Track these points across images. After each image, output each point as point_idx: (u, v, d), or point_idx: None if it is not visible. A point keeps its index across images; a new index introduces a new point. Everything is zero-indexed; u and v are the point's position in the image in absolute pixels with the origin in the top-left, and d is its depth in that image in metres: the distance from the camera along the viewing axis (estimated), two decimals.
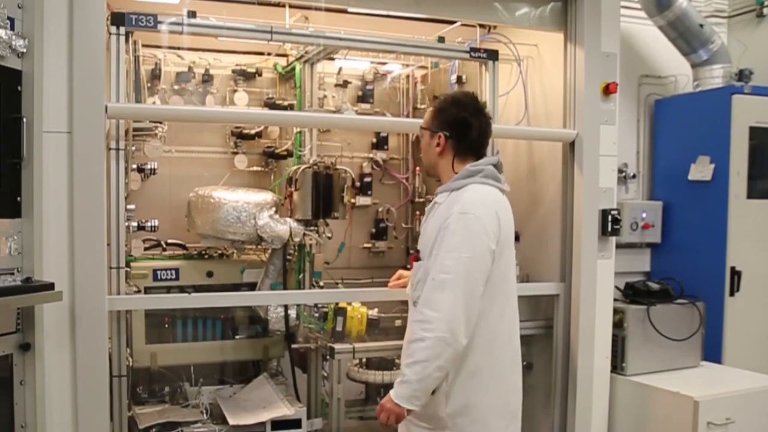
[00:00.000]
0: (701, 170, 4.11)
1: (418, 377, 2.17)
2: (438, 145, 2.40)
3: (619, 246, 3.60)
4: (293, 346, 3.37)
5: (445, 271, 2.20)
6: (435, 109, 2.47)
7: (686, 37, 4.16)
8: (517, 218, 3.53)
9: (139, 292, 3.05)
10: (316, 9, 3.00)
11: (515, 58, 3.46)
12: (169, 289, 3.18)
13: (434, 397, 2.27)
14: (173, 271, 3.19)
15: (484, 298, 2.25)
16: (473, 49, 3.30)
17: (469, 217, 2.24)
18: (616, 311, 3.45)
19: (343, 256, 3.73)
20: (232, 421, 2.97)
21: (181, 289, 3.18)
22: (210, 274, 3.25)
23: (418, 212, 3.96)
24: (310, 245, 3.27)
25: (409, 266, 3.78)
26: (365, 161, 3.94)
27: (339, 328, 3.15)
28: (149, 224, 3.07)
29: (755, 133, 4.03)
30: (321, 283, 3.40)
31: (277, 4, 3.03)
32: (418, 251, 2.43)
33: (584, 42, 3.19)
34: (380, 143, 3.94)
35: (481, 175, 2.35)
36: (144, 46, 3.24)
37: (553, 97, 3.40)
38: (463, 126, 2.40)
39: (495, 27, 3.43)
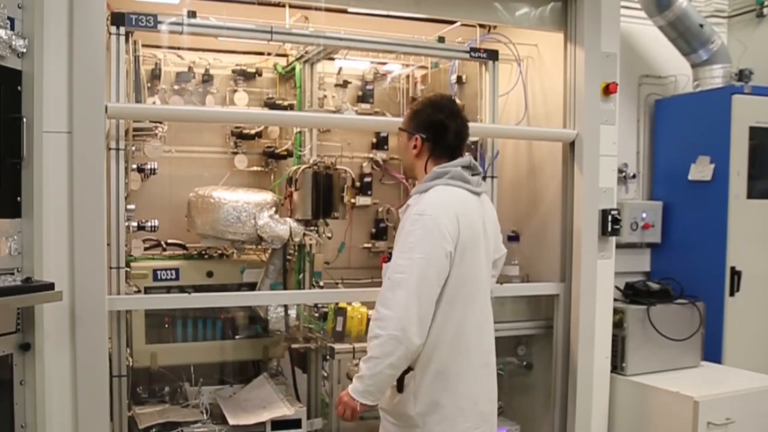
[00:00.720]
0: (701, 170, 4.11)
1: (371, 373, 2.22)
2: (415, 147, 2.43)
3: (619, 246, 3.60)
4: (293, 346, 3.37)
5: (400, 271, 2.23)
6: (412, 111, 2.50)
7: (686, 37, 4.16)
8: (517, 218, 3.57)
9: (139, 292, 3.05)
10: (316, 9, 3.00)
11: (515, 58, 3.46)
12: (169, 289, 3.18)
13: (403, 395, 2.31)
14: (173, 271, 3.19)
15: (445, 299, 2.27)
16: (473, 49, 3.30)
17: (425, 219, 2.26)
18: (616, 311, 3.45)
19: (343, 256, 3.73)
20: (232, 421, 2.97)
21: (181, 289, 3.18)
22: (210, 274, 3.25)
23: None
24: (310, 245, 3.27)
25: None
26: (365, 161, 3.93)
27: (339, 328, 3.15)
28: (149, 224, 3.07)
29: (755, 133, 4.03)
30: (321, 283, 3.40)
31: (277, 4, 3.03)
32: (390, 253, 2.42)
33: (584, 42, 3.19)
34: (380, 143, 3.94)
35: (447, 177, 2.37)
36: (144, 46, 3.23)
37: (553, 97, 3.40)
38: (440, 128, 2.41)
39: (495, 27, 3.43)
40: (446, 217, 2.27)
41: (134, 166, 3.10)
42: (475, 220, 2.37)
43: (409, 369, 2.29)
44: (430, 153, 2.43)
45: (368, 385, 2.24)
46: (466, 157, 2.45)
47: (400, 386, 2.32)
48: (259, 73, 3.71)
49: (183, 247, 3.48)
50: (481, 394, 2.39)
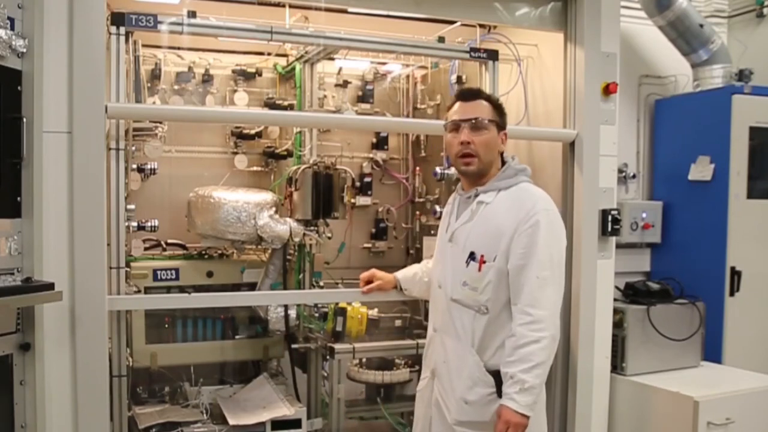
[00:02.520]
0: (701, 170, 4.11)
1: (541, 380, 2.17)
2: (503, 142, 2.43)
3: (619, 246, 3.60)
4: (293, 346, 3.37)
5: (545, 268, 2.22)
6: (498, 105, 2.45)
7: (686, 37, 4.16)
8: None
9: (139, 292, 3.05)
10: (316, 9, 2.99)
11: (515, 58, 3.46)
12: (169, 289, 3.18)
13: (539, 412, 2.29)
14: (173, 271, 3.19)
15: None
16: (473, 49, 3.30)
17: (551, 214, 2.30)
18: (616, 311, 3.45)
19: (343, 256, 3.73)
20: (232, 421, 2.97)
21: (181, 289, 3.18)
22: (210, 274, 3.25)
23: (418, 212, 3.96)
24: (310, 245, 3.27)
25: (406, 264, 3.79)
26: (365, 161, 3.94)
27: (339, 328, 3.15)
28: (149, 224, 3.06)
29: (755, 133, 4.03)
30: (321, 283, 3.40)
31: (277, 4, 3.03)
32: (472, 253, 2.33)
33: (584, 42, 3.19)
34: (380, 143, 3.94)
35: (524, 174, 2.40)
36: (144, 46, 3.24)
37: (553, 97, 3.40)
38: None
39: (495, 27, 3.43)
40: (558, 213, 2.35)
41: (134, 166, 3.10)
42: None
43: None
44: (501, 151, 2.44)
45: (537, 394, 2.18)
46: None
47: (500, 391, 2.23)
48: (259, 73, 3.71)
49: (183, 247, 3.48)
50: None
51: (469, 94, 2.45)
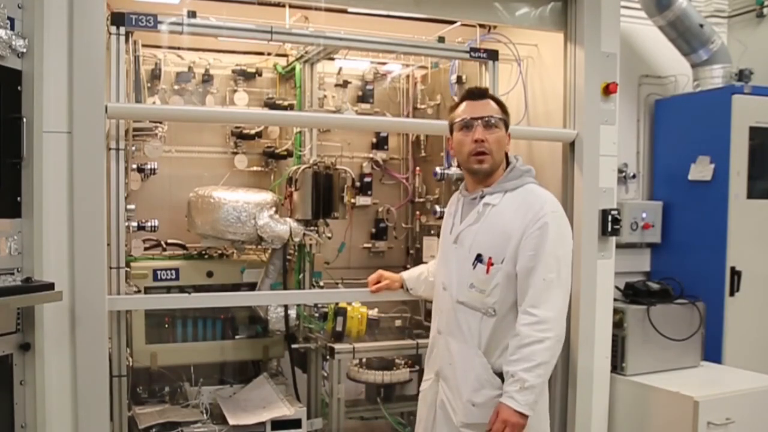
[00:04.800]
0: (701, 170, 4.11)
1: (542, 380, 2.18)
2: (508, 142, 2.43)
3: (619, 246, 3.60)
4: (293, 346, 3.37)
5: (551, 270, 2.21)
6: (503, 106, 2.44)
7: (686, 37, 4.16)
8: None
9: (139, 292, 3.05)
10: (316, 9, 2.99)
11: (515, 58, 3.46)
12: (169, 289, 3.18)
13: (541, 413, 2.29)
14: (173, 271, 3.19)
15: None
16: (473, 49, 3.30)
17: (558, 216, 2.30)
18: (616, 311, 3.45)
19: (343, 256, 3.73)
20: (232, 421, 2.96)
21: (181, 289, 3.18)
22: (210, 274, 3.25)
23: (418, 212, 3.96)
24: (310, 245, 3.27)
25: (408, 266, 3.78)
26: (365, 161, 3.94)
27: (339, 328, 3.15)
28: (149, 224, 3.06)
29: (755, 133, 4.03)
30: (321, 283, 3.40)
31: (277, 4, 3.03)
32: (479, 255, 2.33)
33: (584, 42, 3.19)
34: (380, 143, 3.94)
35: (529, 175, 2.39)
36: (144, 46, 3.24)
37: (553, 97, 3.40)
38: None
39: (495, 27, 3.43)
40: (565, 215, 2.35)
41: (134, 166, 3.10)
42: None
43: None
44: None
45: (538, 394, 2.18)
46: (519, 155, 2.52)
47: None
48: (259, 73, 3.71)
49: (183, 247, 3.48)
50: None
51: (477, 94, 2.45)
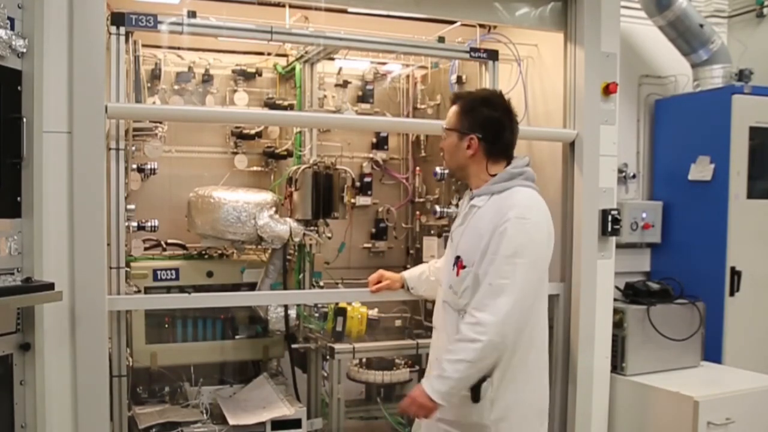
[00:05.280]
0: (701, 170, 4.11)
1: (460, 375, 2.16)
2: (469, 147, 2.33)
3: (619, 246, 3.60)
4: (293, 346, 3.37)
5: (504, 276, 2.17)
6: (462, 110, 2.38)
7: (686, 37, 4.16)
8: None
9: (139, 292, 3.05)
10: (316, 9, 2.99)
11: (515, 58, 3.46)
12: (169, 289, 3.18)
13: (479, 404, 2.25)
14: (173, 271, 3.19)
15: (536, 306, 2.29)
16: (473, 49, 3.30)
17: (527, 223, 2.22)
18: (616, 311, 3.45)
19: (343, 256, 3.73)
20: (232, 421, 2.97)
21: (181, 289, 3.18)
22: (210, 274, 3.25)
23: (418, 212, 3.96)
24: (310, 245, 3.27)
25: (408, 266, 3.79)
26: (365, 161, 3.94)
27: (339, 328, 3.15)
28: (149, 224, 3.06)
29: (755, 133, 4.03)
30: (321, 283, 3.40)
31: (277, 4, 3.03)
32: (458, 257, 2.35)
33: (584, 42, 3.19)
34: (380, 143, 3.94)
35: (522, 178, 2.33)
36: (144, 46, 3.24)
37: (553, 97, 3.40)
38: (496, 127, 2.34)
39: (495, 27, 3.43)
40: (545, 222, 2.28)
41: (134, 166, 3.10)
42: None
43: (485, 377, 2.24)
44: (487, 153, 2.34)
45: (452, 387, 2.18)
46: (527, 158, 2.43)
47: (476, 396, 2.24)
48: (259, 73, 3.71)
49: (183, 247, 3.48)
50: (545, 393, 2.43)
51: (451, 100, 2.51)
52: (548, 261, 2.34)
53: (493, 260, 2.20)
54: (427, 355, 2.81)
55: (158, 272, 3.16)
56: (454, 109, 2.42)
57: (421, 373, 3.01)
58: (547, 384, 2.46)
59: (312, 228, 3.23)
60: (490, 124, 2.34)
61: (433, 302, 2.59)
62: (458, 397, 2.24)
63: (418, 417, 2.28)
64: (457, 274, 2.32)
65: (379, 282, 2.81)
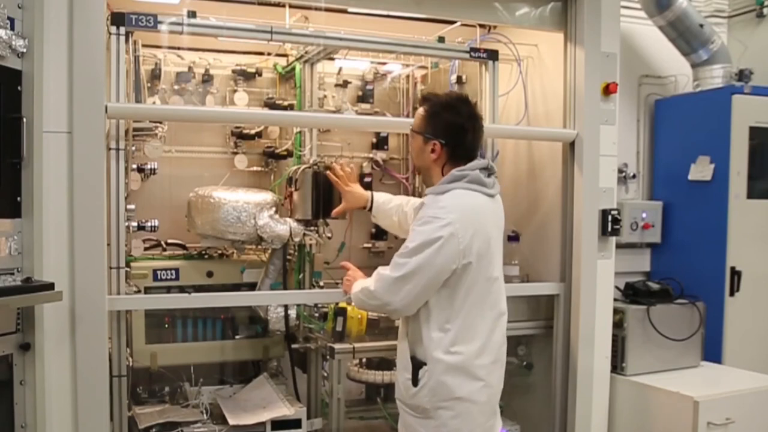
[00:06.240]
0: (701, 170, 4.11)
1: (356, 300, 2.50)
2: (433, 151, 2.40)
3: (619, 246, 3.60)
4: (293, 346, 3.37)
5: (402, 257, 2.31)
6: (428, 114, 2.44)
7: (686, 37, 4.16)
8: (517, 218, 3.57)
9: (139, 292, 3.04)
10: (316, 9, 2.99)
11: (515, 58, 3.46)
12: (169, 289, 3.17)
13: (417, 389, 2.35)
14: (173, 271, 3.19)
15: (462, 299, 2.33)
16: (473, 49, 3.30)
17: (436, 222, 2.28)
18: (616, 311, 3.45)
19: (343, 256, 3.72)
20: (232, 421, 2.97)
21: (181, 289, 3.18)
22: (210, 274, 3.25)
23: None
24: (310, 245, 3.27)
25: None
26: (365, 161, 3.93)
27: (339, 328, 3.15)
28: (149, 224, 3.06)
29: (755, 133, 4.03)
30: (321, 283, 3.40)
31: (277, 4, 3.03)
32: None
33: (584, 42, 3.19)
34: (380, 143, 3.93)
35: (465, 180, 2.36)
36: (144, 46, 3.23)
37: (553, 97, 3.40)
38: (459, 132, 2.39)
39: (495, 27, 3.43)
40: (461, 224, 2.29)
41: (134, 166, 3.10)
42: (488, 224, 2.39)
43: (423, 363, 2.34)
44: (449, 157, 2.40)
45: (356, 298, 2.50)
46: (484, 160, 2.47)
47: (414, 380, 2.36)
48: (259, 73, 3.70)
49: (183, 247, 3.48)
50: (494, 390, 2.44)
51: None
52: (483, 262, 2.35)
53: (406, 243, 2.34)
54: None
55: (158, 272, 3.16)
56: (420, 111, 2.48)
57: None
58: (500, 381, 2.48)
59: (312, 228, 3.23)
60: (453, 129, 2.39)
61: None
62: (402, 380, 2.43)
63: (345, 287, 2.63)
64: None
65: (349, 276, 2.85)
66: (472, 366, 2.35)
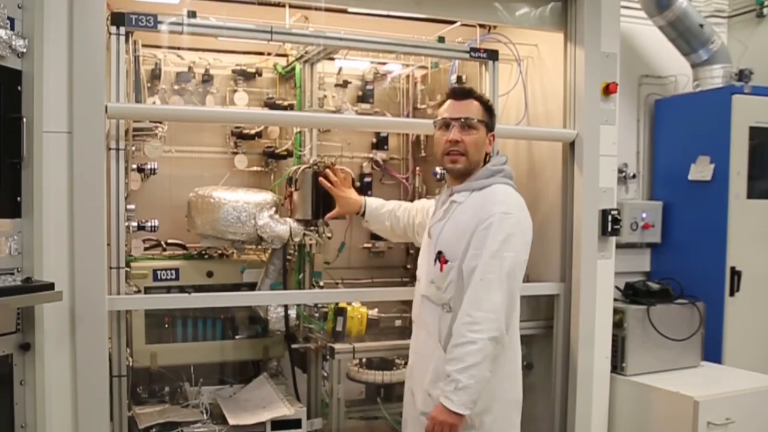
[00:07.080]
0: (701, 170, 4.11)
1: (476, 380, 2.18)
2: (489, 144, 2.45)
3: (619, 246, 3.60)
4: (293, 346, 3.37)
5: (491, 271, 2.22)
6: (488, 106, 2.47)
7: (686, 37, 4.16)
8: None
9: (139, 292, 3.04)
10: (316, 9, 2.99)
11: (515, 58, 3.46)
12: (169, 289, 3.17)
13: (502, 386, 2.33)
14: (173, 271, 3.19)
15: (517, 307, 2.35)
16: (473, 49, 3.30)
17: (511, 218, 2.28)
18: (616, 311, 3.45)
19: (343, 256, 3.72)
20: (232, 421, 2.96)
21: (181, 289, 3.17)
22: (210, 274, 3.25)
23: None
24: (310, 245, 3.27)
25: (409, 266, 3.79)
26: (365, 161, 3.93)
27: (339, 328, 3.15)
28: (149, 224, 3.06)
29: (755, 133, 4.04)
30: (321, 283, 3.40)
31: (277, 4, 3.03)
32: (440, 252, 2.39)
33: (584, 42, 3.19)
34: (380, 143, 3.94)
35: (501, 175, 2.39)
36: (144, 46, 3.23)
37: (553, 97, 3.40)
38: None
39: (495, 27, 3.43)
40: (526, 219, 2.34)
41: (134, 166, 3.10)
42: None
43: None
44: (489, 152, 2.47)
45: (472, 394, 2.18)
46: (504, 156, 2.52)
47: None
48: (259, 73, 3.70)
49: (183, 247, 3.48)
50: (519, 385, 2.47)
51: (460, 93, 2.48)
52: (528, 255, 2.37)
53: (478, 255, 2.25)
54: None
55: (158, 272, 3.16)
56: (476, 104, 2.45)
57: None
58: (521, 375, 2.50)
59: (312, 228, 3.22)
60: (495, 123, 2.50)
61: None
62: (436, 393, 2.27)
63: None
64: (441, 269, 2.36)
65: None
66: (510, 362, 2.37)
